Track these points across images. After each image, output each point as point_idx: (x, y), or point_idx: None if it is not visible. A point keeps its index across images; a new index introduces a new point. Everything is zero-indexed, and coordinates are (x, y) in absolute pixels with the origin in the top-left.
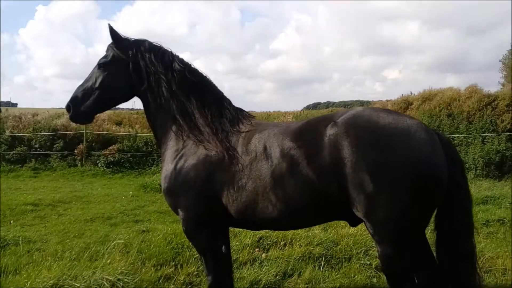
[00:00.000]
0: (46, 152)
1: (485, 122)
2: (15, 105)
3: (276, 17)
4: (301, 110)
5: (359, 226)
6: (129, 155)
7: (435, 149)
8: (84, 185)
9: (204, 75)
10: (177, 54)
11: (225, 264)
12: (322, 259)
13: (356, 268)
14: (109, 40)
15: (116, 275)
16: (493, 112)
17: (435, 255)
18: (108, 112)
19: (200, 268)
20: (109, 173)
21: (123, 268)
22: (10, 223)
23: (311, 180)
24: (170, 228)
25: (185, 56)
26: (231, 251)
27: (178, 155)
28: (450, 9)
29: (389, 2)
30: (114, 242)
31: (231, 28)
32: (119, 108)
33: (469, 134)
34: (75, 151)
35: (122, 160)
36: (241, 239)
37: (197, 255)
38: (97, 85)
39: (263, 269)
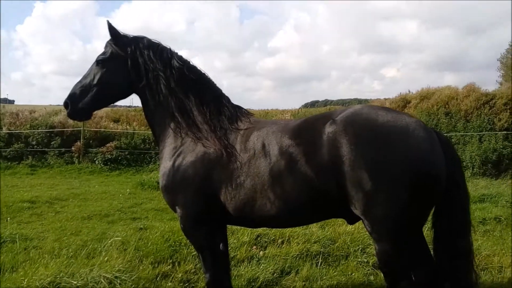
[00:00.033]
0: (43, 149)
1: (483, 121)
2: (12, 102)
3: (274, 15)
4: (299, 108)
5: (356, 224)
6: (126, 153)
7: (434, 147)
8: (81, 182)
9: (203, 72)
10: (175, 51)
11: (223, 261)
12: (319, 257)
13: (354, 265)
14: (107, 37)
15: (114, 272)
16: (490, 110)
17: (432, 253)
18: (105, 109)
19: (198, 265)
20: (107, 171)
21: (120, 265)
22: (6, 221)
23: (309, 178)
24: (167, 225)
25: (183, 53)
26: (229, 248)
27: (176, 152)
28: (449, 9)
29: (388, 2)
30: (112, 239)
31: (229, 26)
32: (116, 106)
33: (466, 132)
34: (73, 148)
35: (119, 158)
36: (238, 237)
37: (194, 253)
38: (95, 81)
39: (261, 267)
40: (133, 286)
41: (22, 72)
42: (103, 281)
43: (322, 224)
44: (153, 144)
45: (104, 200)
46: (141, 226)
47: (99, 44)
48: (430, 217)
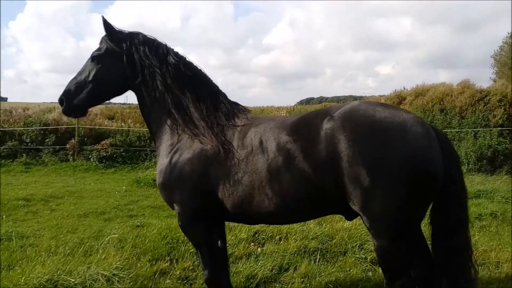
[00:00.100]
0: (37, 146)
1: (477, 117)
2: (4, 99)
3: (269, 11)
4: (295, 105)
5: (354, 220)
6: (121, 150)
7: (431, 143)
8: (77, 180)
9: (199, 68)
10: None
11: (221, 258)
12: (317, 253)
13: (352, 262)
14: (101, 34)
15: (111, 270)
16: (485, 107)
17: (430, 248)
18: (100, 106)
19: (196, 262)
20: (102, 168)
21: (118, 263)
22: (2, 219)
23: (307, 174)
24: (164, 222)
25: (178, 50)
26: (227, 245)
27: (173, 149)
28: (443, 6)
29: None
30: (109, 237)
31: (224, 23)
32: (111, 103)
33: (461, 129)
34: (67, 146)
35: (114, 155)
36: (236, 234)
37: (192, 250)
38: (90, 78)
39: (259, 264)
40: (131, 283)
41: (14, 69)
42: (101, 278)
43: (320, 220)
44: (148, 141)
45: (100, 198)
46: (138, 224)
47: (92, 41)
48: (428, 213)
